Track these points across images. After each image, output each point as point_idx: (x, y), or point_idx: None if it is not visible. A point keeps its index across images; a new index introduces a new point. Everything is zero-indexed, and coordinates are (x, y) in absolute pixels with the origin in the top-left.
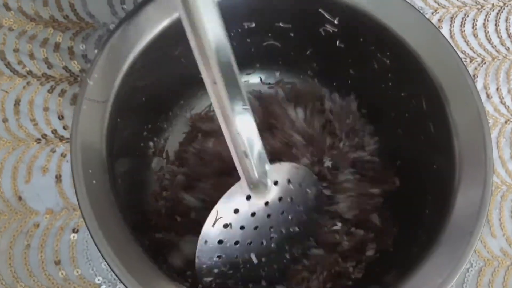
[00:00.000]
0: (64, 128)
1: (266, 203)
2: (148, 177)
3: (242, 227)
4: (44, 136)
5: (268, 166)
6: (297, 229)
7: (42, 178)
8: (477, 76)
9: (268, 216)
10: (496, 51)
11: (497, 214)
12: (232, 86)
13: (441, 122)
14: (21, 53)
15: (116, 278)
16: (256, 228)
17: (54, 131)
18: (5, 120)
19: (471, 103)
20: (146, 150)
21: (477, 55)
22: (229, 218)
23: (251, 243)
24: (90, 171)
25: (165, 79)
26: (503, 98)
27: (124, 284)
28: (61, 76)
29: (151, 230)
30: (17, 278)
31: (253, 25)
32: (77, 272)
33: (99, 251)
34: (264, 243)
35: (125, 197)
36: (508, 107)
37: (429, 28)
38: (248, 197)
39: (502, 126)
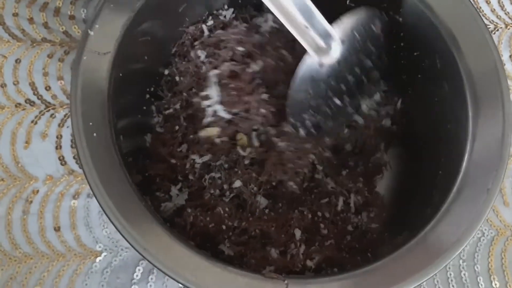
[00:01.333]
0: (64, 93)
1: (339, 62)
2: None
3: (319, 84)
4: (44, 101)
5: (331, 30)
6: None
7: (42, 144)
8: None
9: (343, 69)
10: (510, 17)
11: (510, 182)
12: None
13: (455, 79)
14: (20, 18)
15: (118, 245)
16: (333, 82)
17: (54, 97)
18: (3, 85)
19: (488, 56)
20: (149, 114)
21: (490, 22)
22: (308, 86)
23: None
24: (90, 123)
25: (168, 37)
26: None
27: (125, 238)
28: (61, 41)
29: (153, 185)
30: (15, 244)
31: None
32: (77, 239)
33: (100, 204)
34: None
35: (127, 151)
36: None
37: None
38: (321, 65)
39: None
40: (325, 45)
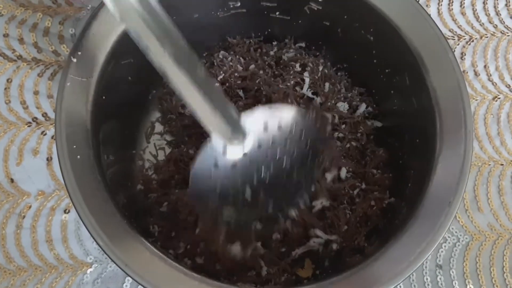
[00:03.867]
0: (54, 111)
1: (245, 154)
2: (136, 154)
3: (226, 177)
4: (35, 119)
5: (238, 116)
6: (289, 167)
7: (33, 160)
8: (465, 54)
9: (252, 162)
10: (484, 29)
11: (484, 189)
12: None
13: (423, 96)
14: (11, 38)
15: (107, 257)
16: (241, 174)
17: (45, 114)
18: None
19: (451, 75)
20: (134, 129)
21: (465, 33)
22: (210, 173)
23: (240, 187)
24: (74, 146)
25: None
26: (490, 75)
27: (108, 255)
28: (50, 60)
29: (137, 203)
30: (9, 258)
31: (238, 4)
32: (69, 251)
33: (84, 223)
34: (254, 183)
35: (111, 172)
36: (496, 84)
37: (410, 4)
38: (224, 152)
39: (490, 103)
40: (231, 135)
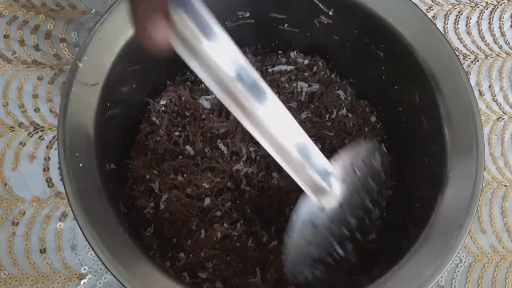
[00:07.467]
0: (53, 115)
1: (340, 204)
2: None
3: (321, 230)
4: (33, 123)
5: (330, 167)
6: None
7: (30, 166)
8: (470, 73)
9: (343, 212)
10: (489, 49)
11: (487, 210)
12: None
13: (433, 114)
14: (12, 39)
15: (102, 268)
16: (335, 227)
17: (43, 119)
18: None
19: (464, 95)
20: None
21: (470, 52)
22: (307, 233)
23: (329, 236)
24: (77, 154)
25: (156, 66)
26: (495, 95)
27: (108, 269)
28: (51, 64)
29: (136, 213)
30: (1, 266)
31: (247, 14)
32: (63, 261)
33: (84, 235)
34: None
35: (112, 180)
36: (500, 104)
37: (423, 21)
38: (321, 209)
39: (494, 123)
40: (324, 185)
